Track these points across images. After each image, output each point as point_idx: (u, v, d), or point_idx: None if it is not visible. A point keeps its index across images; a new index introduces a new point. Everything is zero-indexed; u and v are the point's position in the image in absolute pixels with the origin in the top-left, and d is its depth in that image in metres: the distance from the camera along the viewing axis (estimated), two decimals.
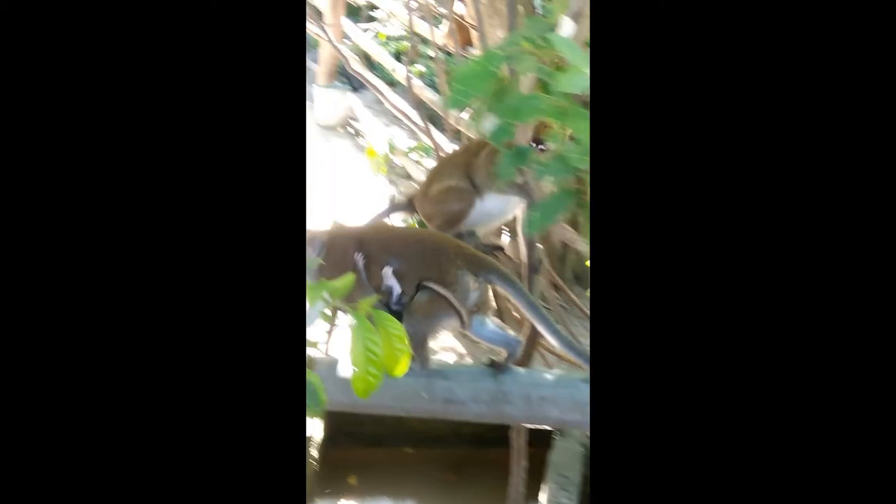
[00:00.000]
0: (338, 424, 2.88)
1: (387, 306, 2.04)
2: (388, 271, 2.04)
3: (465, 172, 2.50)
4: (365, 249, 2.11)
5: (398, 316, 1.98)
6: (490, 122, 1.67)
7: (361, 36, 5.67)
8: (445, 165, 2.65)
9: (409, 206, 2.75)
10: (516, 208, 2.48)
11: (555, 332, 2.01)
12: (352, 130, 6.12)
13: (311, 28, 4.82)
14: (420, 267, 2.05)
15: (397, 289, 2.04)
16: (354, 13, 6.41)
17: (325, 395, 1.31)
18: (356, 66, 4.70)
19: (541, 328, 2.03)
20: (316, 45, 6.39)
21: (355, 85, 6.25)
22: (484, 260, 2.08)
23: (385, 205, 2.98)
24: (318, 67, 6.47)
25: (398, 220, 3.13)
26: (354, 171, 5.33)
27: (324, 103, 6.19)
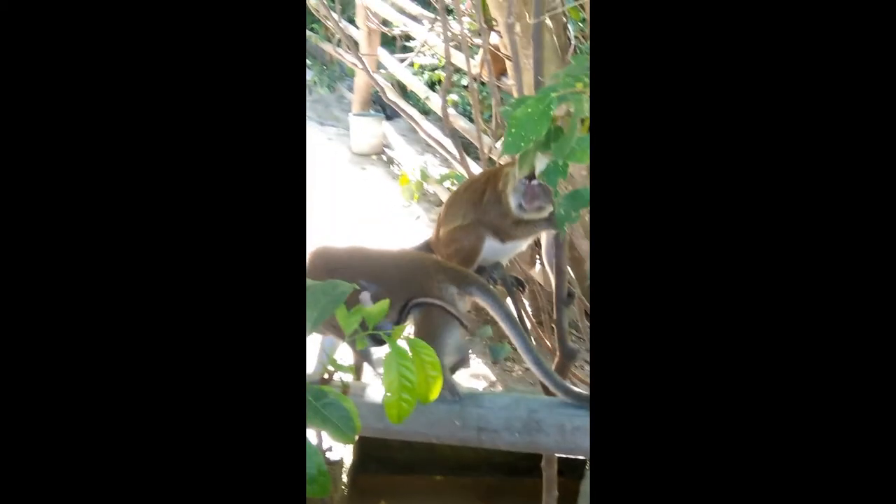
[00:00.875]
0: (368, 450, 2.87)
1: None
2: (365, 296, 1.96)
3: (472, 210, 2.51)
4: (340, 274, 2.05)
5: (381, 342, 1.95)
6: (541, 163, 1.67)
7: (396, 65, 5.73)
8: (451, 205, 2.67)
9: (428, 248, 2.77)
10: (534, 236, 2.47)
11: (529, 351, 1.99)
12: (385, 158, 6.17)
13: (347, 57, 4.88)
14: (401, 287, 2.01)
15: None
16: (389, 43, 6.49)
17: (358, 421, 1.31)
18: (391, 94, 4.76)
19: (517, 344, 2.01)
20: (351, 73, 6.48)
21: (389, 113, 6.31)
22: (464, 273, 2.08)
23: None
24: (353, 96, 6.55)
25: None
26: (387, 198, 5.36)
27: (358, 131, 6.24)
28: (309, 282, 1.51)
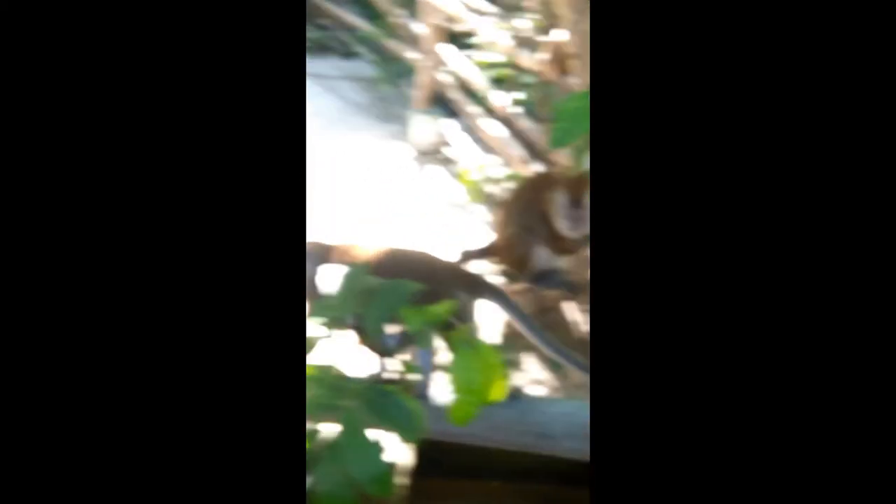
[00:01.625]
0: (423, 453, 2.84)
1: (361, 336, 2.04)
2: None
3: (523, 218, 2.48)
4: None
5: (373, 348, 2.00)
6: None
7: (459, 62, 5.70)
8: (505, 210, 2.63)
9: (483, 253, 2.74)
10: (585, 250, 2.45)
11: (549, 344, 2.05)
12: (446, 156, 6.15)
13: (410, 53, 4.88)
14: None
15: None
16: (453, 39, 6.47)
17: (424, 422, 1.29)
18: (453, 92, 4.73)
19: (534, 339, 2.07)
20: (413, 70, 6.47)
21: (451, 111, 6.29)
22: (475, 277, 2.11)
23: (458, 255, 2.96)
24: (415, 93, 6.54)
25: (476, 266, 3.11)
26: (448, 197, 5.34)
27: (419, 129, 6.23)
28: (374, 281, 1.49)
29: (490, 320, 2.23)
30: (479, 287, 2.07)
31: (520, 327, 2.12)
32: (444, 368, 1.57)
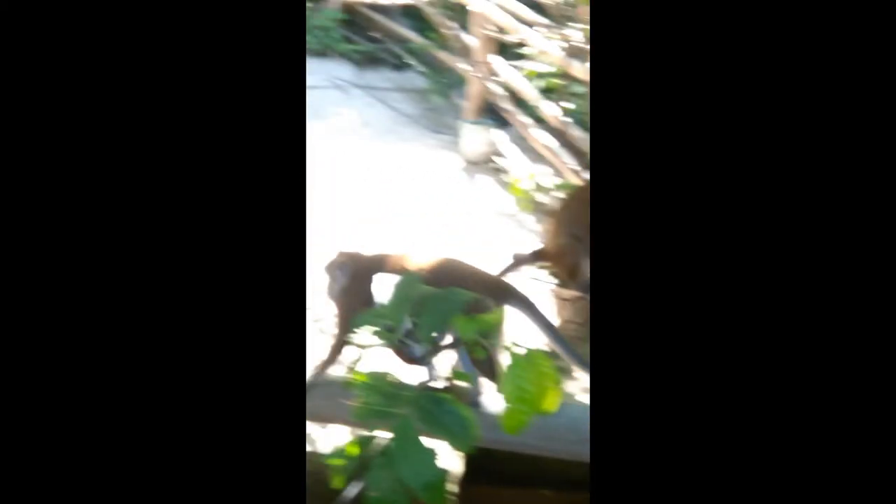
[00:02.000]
0: (474, 460, 2.84)
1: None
2: None
3: (570, 227, 2.47)
4: (372, 280, 2.21)
5: (405, 356, 2.10)
6: None
7: (510, 73, 5.71)
8: (554, 219, 2.62)
9: (533, 258, 2.73)
10: None
11: (570, 353, 2.10)
12: (497, 166, 6.15)
13: (460, 64, 4.89)
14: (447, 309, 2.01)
15: (407, 324, 2.00)
16: (503, 50, 6.48)
17: (477, 431, 1.29)
18: (504, 102, 4.74)
19: (558, 348, 2.11)
20: (464, 81, 6.49)
21: (502, 121, 6.29)
22: (501, 284, 2.14)
23: (510, 260, 2.96)
24: (465, 103, 6.56)
25: (524, 274, 3.10)
26: (498, 207, 5.34)
27: (470, 139, 6.25)
28: (428, 290, 1.50)
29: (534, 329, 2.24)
30: (507, 295, 2.08)
31: (545, 335, 2.13)
32: (496, 378, 1.57)
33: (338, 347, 2.29)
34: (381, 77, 8.05)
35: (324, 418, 2.57)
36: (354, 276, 2.27)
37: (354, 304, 2.27)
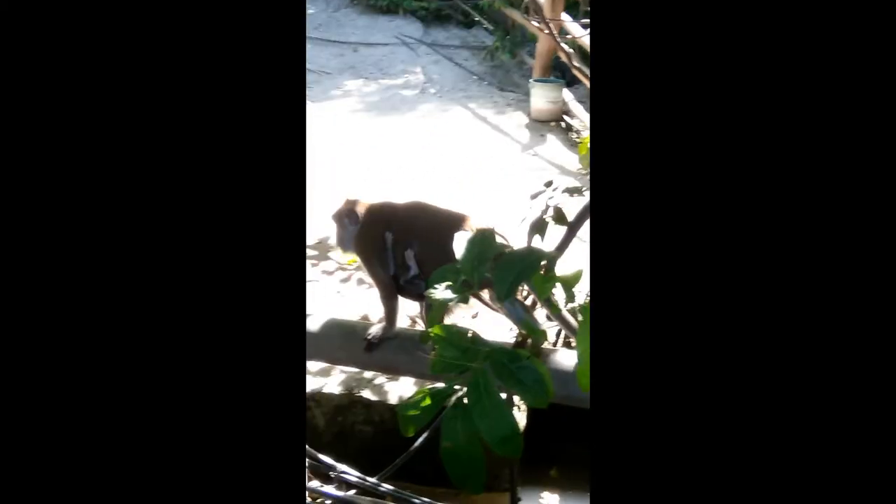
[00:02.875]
0: (542, 415, 2.88)
1: (400, 283, 2.25)
2: (409, 254, 2.22)
3: None
4: (395, 229, 2.28)
5: (410, 295, 2.24)
6: None
7: (579, 31, 5.63)
8: None
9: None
10: None
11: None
12: (565, 125, 6.11)
13: (531, 22, 4.84)
14: (441, 250, 2.14)
15: (413, 270, 2.22)
16: (573, 8, 6.38)
17: (552, 386, 1.31)
18: (573, 60, 4.68)
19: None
20: (533, 39, 6.43)
21: (570, 79, 6.22)
22: (467, 219, 2.22)
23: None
24: (534, 62, 6.51)
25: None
26: (567, 165, 5.31)
27: (538, 97, 6.21)
28: (504, 246, 1.52)
29: None
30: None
31: None
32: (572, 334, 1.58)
33: (386, 294, 2.35)
34: (449, 35, 8.02)
35: (396, 370, 2.62)
36: (363, 222, 2.35)
37: (370, 248, 2.34)
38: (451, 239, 2.09)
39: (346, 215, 2.39)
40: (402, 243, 2.27)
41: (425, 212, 2.37)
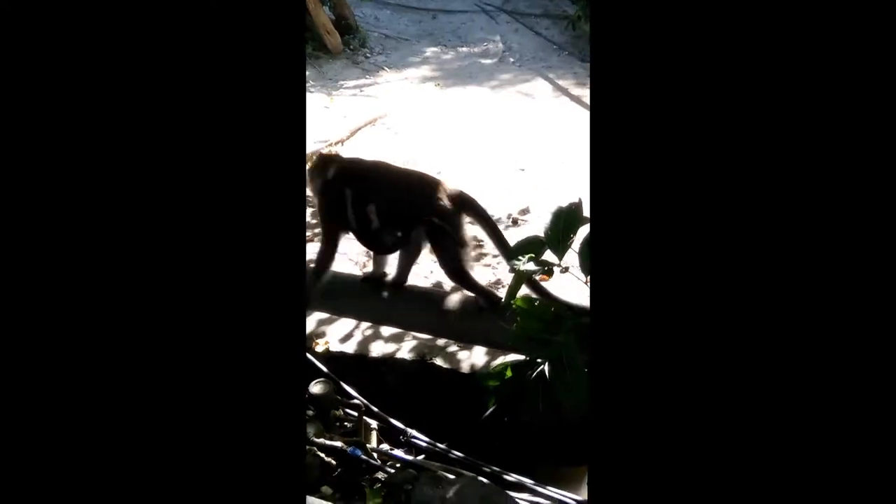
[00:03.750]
0: None
1: (361, 237, 2.37)
2: (371, 208, 2.32)
3: None
4: (355, 186, 2.37)
5: (377, 247, 2.39)
6: None
7: None
8: None
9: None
10: None
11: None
12: None
13: None
14: (407, 204, 2.31)
15: (375, 224, 2.33)
16: None
17: None
18: None
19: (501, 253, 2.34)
20: None
21: None
22: (461, 194, 2.32)
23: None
24: None
25: None
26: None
27: None
28: (588, 219, 1.51)
29: None
30: (465, 205, 2.30)
31: (494, 244, 2.34)
32: None
33: (324, 244, 2.44)
34: (529, 3, 7.92)
35: (474, 340, 2.63)
36: (327, 178, 2.42)
37: (325, 201, 2.44)
38: (412, 197, 2.32)
39: (312, 171, 2.49)
40: (363, 199, 2.36)
41: (388, 171, 2.48)
